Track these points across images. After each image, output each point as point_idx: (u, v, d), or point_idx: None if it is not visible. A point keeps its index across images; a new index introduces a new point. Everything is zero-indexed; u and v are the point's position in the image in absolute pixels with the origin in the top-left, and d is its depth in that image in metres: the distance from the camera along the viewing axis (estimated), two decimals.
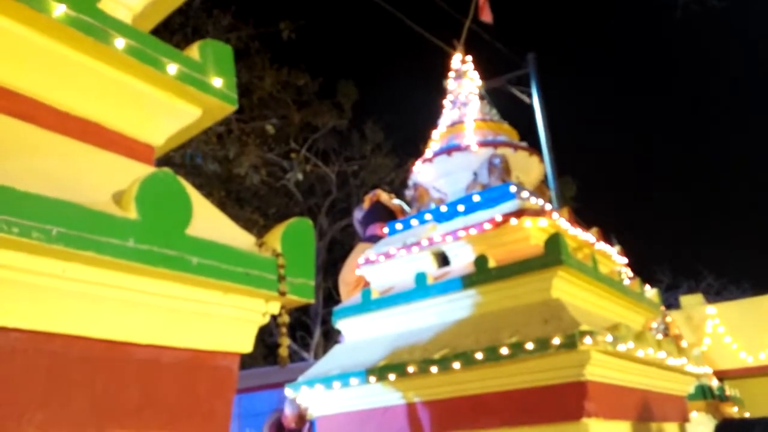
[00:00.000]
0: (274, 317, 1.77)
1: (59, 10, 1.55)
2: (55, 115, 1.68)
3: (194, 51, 1.87)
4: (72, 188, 1.37)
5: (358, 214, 6.72)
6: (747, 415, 7.62)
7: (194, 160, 12.78)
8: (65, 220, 1.24)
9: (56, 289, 1.30)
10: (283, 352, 1.77)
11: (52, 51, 1.63)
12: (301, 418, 6.82)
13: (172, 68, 1.76)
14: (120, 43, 1.66)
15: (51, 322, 1.30)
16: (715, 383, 7.74)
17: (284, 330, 1.75)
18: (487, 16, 9.34)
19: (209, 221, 1.66)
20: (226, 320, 1.62)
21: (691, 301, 10.38)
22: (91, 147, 1.71)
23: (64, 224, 1.24)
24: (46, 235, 1.20)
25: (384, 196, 6.59)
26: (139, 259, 1.34)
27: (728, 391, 7.69)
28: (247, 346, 1.69)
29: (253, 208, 14.60)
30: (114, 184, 1.47)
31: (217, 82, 1.88)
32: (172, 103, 1.85)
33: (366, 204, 6.66)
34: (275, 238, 1.70)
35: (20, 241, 1.17)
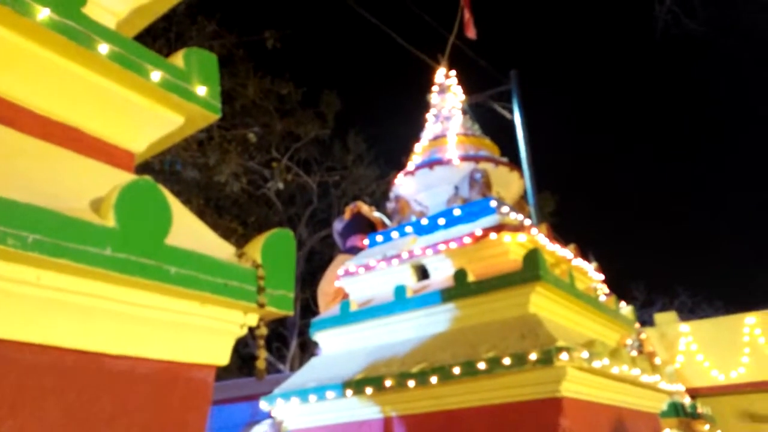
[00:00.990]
0: (251, 329, 1.75)
1: (43, 14, 1.53)
2: (34, 120, 1.66)
3: (179, 58, 1.86)
4: (50, 194, 1.35)
5: (338, 225, 6.71)
6: None
7: (174, 167, 12.66)
8: (42, 227, 1.22)
9: (30, 297, 1.27)
10: (261, 364, 1.75)
11: (35, 55, 1.61)
12: None
13: (156, 75, 1.75)
14: (104, 48, 1.64)
15: (22, 330, 1.27)
16: (687, 401, 7.83)
17: (262, 342, 1.73)
18: (471, 33, 9.46)
19: (189, 230, 1.64)
20: (203, 331, 1.60)
21: (665, 318, 10.52)
22: (71, 152, 1.68)
23: (41, 231, 1.21)
24: (21, 242, 1.18)
25: (365, 208, 6.60)
26: (116, 268, 1.32)
27: (700, 409, 7.79)
28: (223, 358, 1.67)
29: (232, 216, 14.48)
30: (93, 191, 1.45)
31: (201, 90, 1.87)
32: (155, 111, 1.83)
33: (347, 215, 6.66)
34: (255, 248, 1.69)
35: None
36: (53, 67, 1.65)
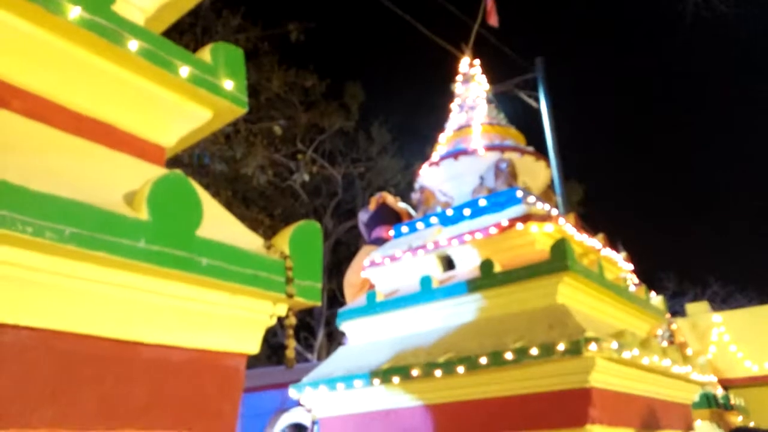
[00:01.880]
0: (280, 319, 1.78)
1: (74, 13, 1.57)
2: (68, 116, 1.70)
3: (206, 53, 1.89)
4: (84, 188, 1.38)
5: (363, 216, 6.73)
6: (752, 424, 7.58)
7: (202, 160, 12.83)
8: (78, 221, 1.25)
9: (67, 289, 1.32)
10: (290, 353, 1.78)
11: (66, 52, 1.65)
12: None
13: (185, 70, 1.78)
14: (133, 45, 1.68)
15: (61, 320, 1.32)
16: (719, 392, 7.70)
17: (291, 332, 1.76)
18: (493, 20, 9.36)
19: (219, 223, 1.67)
20: (234, 321, 1.64)
21: (696, 308, 10.33)
22: (104, 148, 1.73)
23: (77, 224, 1.25)
24: (59, 234, 1.22)
25: (390, 199, 6.60)
26: (149, 259, 1.35)
27: (733, 400, 7.65)
28: (254, 347, 1.70)
29: (259, 208, 14.63)
30: (126, 185, 1.48)
31: (228, 84, 1.90)
32: (184, 105, 1.86)
33: (372, 206, 6.67)
34: (283, 240, 1.71)
35: (34, 240, 1.18)
36: (85, 64, 1.69)
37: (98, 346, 1.37)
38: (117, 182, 1.50)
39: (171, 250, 1.39)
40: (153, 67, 1.73)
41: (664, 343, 5.84)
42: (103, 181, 1.49)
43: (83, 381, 1.34)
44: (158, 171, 1.67)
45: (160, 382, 1.46)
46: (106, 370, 1.38)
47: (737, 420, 7.49)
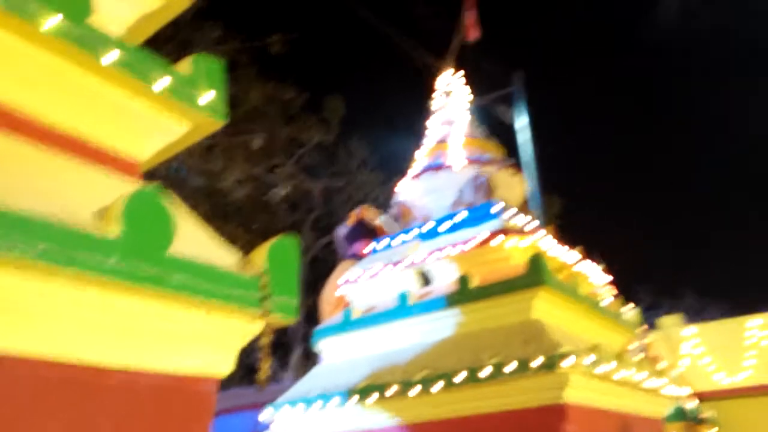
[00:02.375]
0: (255, 338, 1.75)
1: (50, 22, 1.54)
2: (39, 129, 1.67)
3: (186, 65, 1.86)
4: (56, 204, 1.36)
5: (342, 231, 6.70)
6: None
7: (179, 173, 12.70)
8: (49, 238, 1.23)
9: (33, 310, 1.28)
10: (263, 374, 1.76)
11: (40, 63, 1.62)
12: None
13: (162, 82, 1.76)
14: (110, 56, 1.65)
15: (25, 344, 1.27)
16: (692, 405, 7.77)
17: (267, 351, 1.74)
18: (474, 35, 9.46)
19: (194, 238, 1.65)
20: (208, 341, 1.61)
21: (669, 321, 10.44)
22: (76, 161, 1.70)
23: (49, 241, 1.23)
24: (29, 251, 1.19)
25: (368, 214, 6.60)
26: (120, 276, 1.33)
27: (705, 413, 7.73)
28: (227, 368, 1.67)
29: (237, 222, 14.49)
30: (98, 200, 1.46)
31: (207, 97, 1.87)
32: (161, 118, 1.84)
33: (350, 220, 6.66)
34: (260, 255, 1.69)
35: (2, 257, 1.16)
36: (59, 75, 1.66)
37: (62, 372, 1.33)
38: (89, 197, 1.47)
39: (142, 267, 1.37)
40: (129, 79, 1.70)
41: (638, 357, 5.90)
42: (74, 196, 1.46)
43: (47, 410, 1.29)
44: (133, 185, 1.65)
45: (128, 410, 1.41)
46: (72, 397, 1.33)
47: None
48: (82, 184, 1.61)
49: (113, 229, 1.35)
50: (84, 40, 1.62)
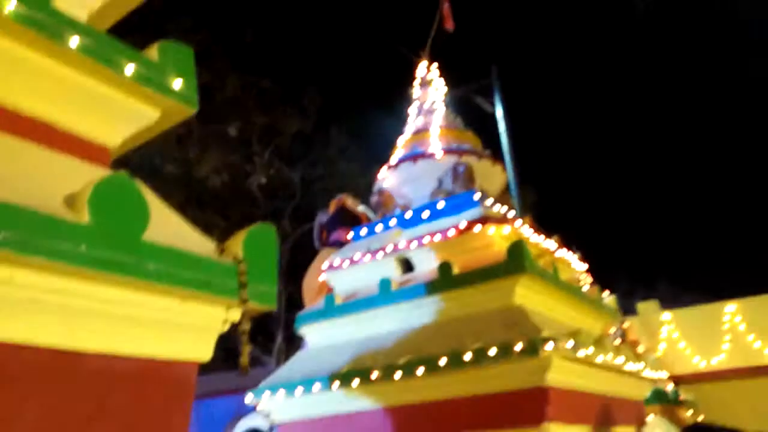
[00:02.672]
0: (235, 324, 1.73)
1: (10, 6, 1.48)
2: (3, 115, 1.61)
3: (153, 51, 1.82)
4: (21, 191, 1.31)
5: (322, 218, 6.67)
6: (701, 418, 7.83)
7: (153, 162, 12.51)
8: (14, 224, 1.18)
9: (4, 296, 1.23)
10: (244, 360, 1.73)
11: (2, 49, 1.56)
12: None
13: (130, 69, 1.71)
14: (74, 41, 1.60)
15: None
16: (670, 387, 7.92)
17: (245, 338, 1.71)
18: (449, 24, 9.43)
19: (168, 225, 1.61)
20: (184, 328, 1.57)
21: (647, 307, 10.63)
22: (43, 148, 1.64)
23: (13, 228, 1.17)
24: None
25: (349, 201, 6.57)
26: (92, 265, 1.29)
27: (683, 395, 7.89)
28: (206, 354, 1.64)
29: (214, 211, 14.35)
30: (66, 187, 1.41)
31: (176, 83, 1.83)
32: (129, 105, 1.79)
33: (331, 208, 6.63)
34: (237, 243, 1.66)
35: None
36: (22, 61, 1.60)
37: (37, 356, 1.29)
38: (57, 184, 1.42)
39: (115, 255, 1.32)
40: (96, 65, 1.65)
41: (617, 342, 5.98)
42: (41, 183, 1.41)
43: (22, 394, 1.26)
44: (102, 172, 1.59)
45: (105, 394, 1.38)
46: (47, 382, 1.30)
47: (687, 415, 7.73)
48: (49, 171, 1.56)
49: (83, 216, 1.31)
50: (47, 24, 1.56)
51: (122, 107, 1.78)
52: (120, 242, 1.34)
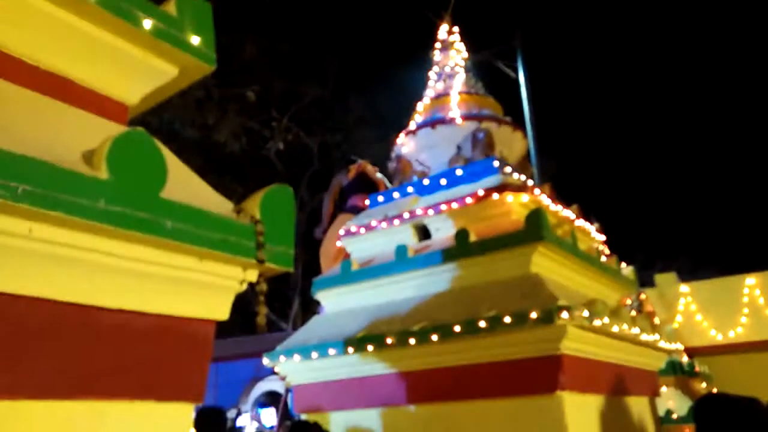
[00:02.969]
0: (252, 285, 1.73)
1: None
2: (22, 68, 1.60)
3: (171, 6, 1.79)
4: (40, 145, 1.30)
5: (342, 179, 6.65)
6: (715, 390, 7.83)
7: (172, 126, 12.53)
8: (32, 178, 1.18)
9: (22, 250, 1.24)
10: (261, 320, 1.74)
11: (21, 1, 1.54)
12: None
13: (147, 23, 1.68)
14: None
15: (16, 283, 1.25)
16: (685, 359, 7.92)
17: (262, 298, 1.72)
18: None
19: (185, 185, 1.60)
20: (202, 287, 1.58)
21: (665, 279, 10.56)
22: (61, 103, 1.63)
23: (32, 182, 1.17)
24: (11, 192, 1.14)
25: (369, 168, 6.55)
26: (110, 221, 1.28)
27: (698, 368, 7.89)
28: (223, 313, 1.65)
29: (232, 176, 14.41)
30: (85, 143, 1.40)
31: (194, 39, 1.80)
32: (147, 60, 1.77)
33: (351, 174, 6.61)
34: (254, 204, 1.65)
35: None
36: (41, 14, 1.59)
37: (56, 310, 1.30)
38: (75, 139, 1.42)
39: (133, 211, 1.32)
40: (114, 19, 1.63)
41: (634, 312, 5.95)
42: (59, 137, 1.40)
43: (41, 347, 1.28)
44: (120, 129, 1.59)
45: (123, 349, 1.40)
46: (65, 335, 1.31)
47: (702, 386, 7.73)
48: (67, 127, 1.55)
49: (101, 171, 1.30)
50: None
51: (140, 63, 1.76)
52: (138, 198, 1.33)
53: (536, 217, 3.96)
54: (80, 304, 1.34)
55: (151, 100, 1.96)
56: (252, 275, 1.68)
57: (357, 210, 5.89)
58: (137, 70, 1.78)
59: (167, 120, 12.27)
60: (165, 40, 1.72)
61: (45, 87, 1.61)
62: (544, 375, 3.48)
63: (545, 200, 4.69)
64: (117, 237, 1.34)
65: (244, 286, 1.70)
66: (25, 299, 1.25)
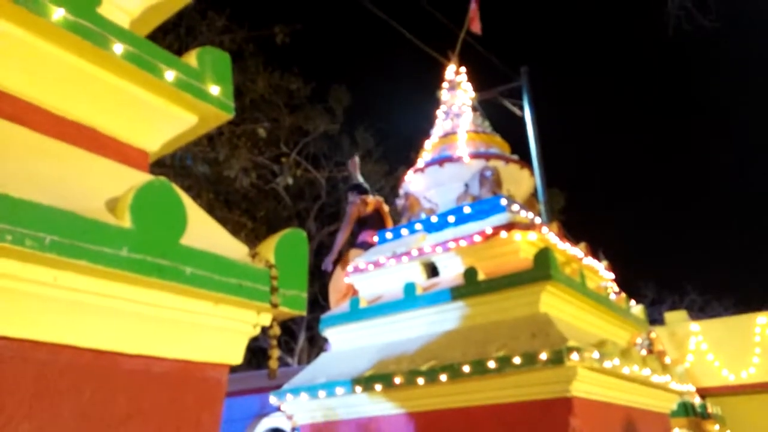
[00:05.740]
0: (264, 328, 1.76)
1: (58, 14, 1.53)
2: (49, 119, 1.66)
3: (192, 58, 1.86)
4: (66, 195, 1.35)
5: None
6: None
7: (184, 162, 12.71)
8: (59, 228, 1.22)
9: (46, 298, 1.28)
10: (273, 364, 1.76)
11: (49, 54, 1.61)
12: None
13: (170, 75, 1.75)
14: (118, 48, 1.65)
15: (39, 330, 1.28)
16: (697, 400, 7.79)
17: (274, 342, 1.74)
18: (476, 28, 9.38)
19: (202, 230, 1.65)
20: (217, 331, 1.61)
21: (675, 317, 10.45)
22: (86, 152, 1.69)
23: (58, 232, 1.22)
24: (39, 243, 1.18)
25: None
26: (132, 268, 1.32)
27: (710, 409, 7.75)
28: (237, 357, 1.68)
29: (241, 210, 14.51)
30: (108, 191, 1.45)
31: (214, 90, 1.87)
32: (169, 110, 1.83)
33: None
34: (269, 248, 1.69)
35: (13, 248, 1.15)
36: (68, 66, 1.66)
37: (77, 356, 1.33)
38: (99, 188, 1.47)
39: (154, 259, 1.36)
40: (138, 71, 1.69)
41: (644, 352, 5.90)
42: (85, 186, 1.45)
43: (62, 393, 1.30)
44: (142, 176, 1.64)
45: (141, 394, 1.42)
46: (86, 381, 1.34)
47: (714, 428, 7.59)
48: (92, 176, 1.60)
49: (125, 220, 1.34)
50: (92, 31, 1.61)
51: (162, 112, 1.83)
52: (159, 246, 1.37)
53: (545, 255, 3.98)
54: (100, 350, 1.37)
55: (171, 145, 2.02)
56: (265, 319, 1.71)
57: (366, 246, 5.92)
58: (159, 119, 1.84)
59: (179, 156, 12.46)
60: (186, 90, 1.79)
61: (71, 136, 1.67)
62: (554, 418, 3.45)
63: (553, 238, 4.71)
64: (138, 284, 1.38)
65: (258, 330, 1.73)
66: (47, 346, 1.29)
